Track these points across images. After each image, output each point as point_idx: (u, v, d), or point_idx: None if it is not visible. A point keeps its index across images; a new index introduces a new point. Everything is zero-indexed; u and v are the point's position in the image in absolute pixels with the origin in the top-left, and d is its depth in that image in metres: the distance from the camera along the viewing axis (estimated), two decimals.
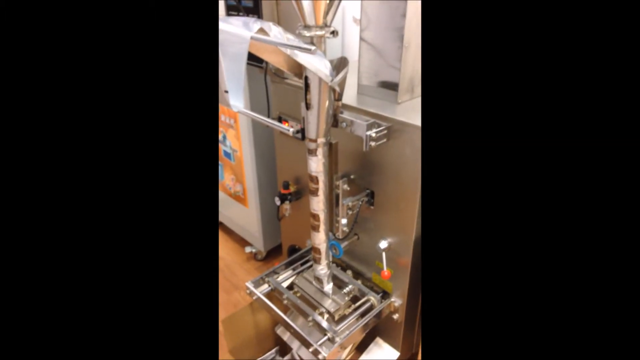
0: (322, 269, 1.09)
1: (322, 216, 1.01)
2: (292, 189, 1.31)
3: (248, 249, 1.83)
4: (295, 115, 1.21)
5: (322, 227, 1.02)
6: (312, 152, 0.93)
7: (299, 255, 1.30)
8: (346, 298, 1.11)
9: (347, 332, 1.03)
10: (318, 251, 1.06)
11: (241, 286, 1.70)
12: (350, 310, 1.10)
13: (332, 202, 1.03)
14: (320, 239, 1.04)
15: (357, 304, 1.12)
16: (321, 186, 0.96)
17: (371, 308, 1.12)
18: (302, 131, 0.95)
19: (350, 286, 1.17)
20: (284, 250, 1.54)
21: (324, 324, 1.03)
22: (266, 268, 1.82)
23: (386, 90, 1.03)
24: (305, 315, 1.07)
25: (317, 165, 0.94)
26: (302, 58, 0.73)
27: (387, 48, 0.98)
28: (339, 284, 1.19)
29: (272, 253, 1.82)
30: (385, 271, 1.06)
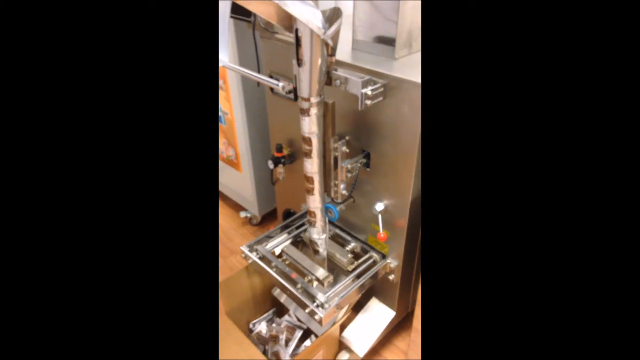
0: (318, 232, 1.07)
1: (316, 179, 0.98)
2: (285, 151, 1.27)
3: (243, 214, 1.82)
4: (288, 74, 1.15)
5: (316, 190, 1.00)
6: (305, 112, 0.88)
7: (293, 219, 1.28)
8: (349, 255, 1.11)
9: (344, 292, 1.03)
10: (313, 214, 1.05)
11: (237, 251, 1.70)
12: (353, 266, 1.11)
13: (330, 165, 1.00)
14: (315, 202, 1.02)
15: (360, 260, 1.13)
16: (315, 148, 0.93)
17: (373, 264, 1.13)
18: (295, 91, 0.90)
19: (352, 244, 1.17)
20: (279, 214, 1.53)
21: (315, 289, 1.03)
22: (261, 232, 1.81)
23: (383, 45, 0.97)
24: (294, 283, 1.06)
25: (310, 125, 0.90)
26: (292, 8, 0.68)
27: None
28: (341, 243, 1.19)
29: (268, 217, 1.81)
30: (382, 233, 1.05)
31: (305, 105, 0.87)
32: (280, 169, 1.28)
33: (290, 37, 1.11)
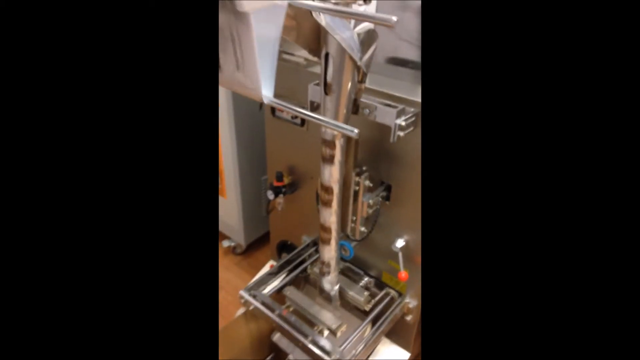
0: (332, 283, 0.96)
1: (334, 228, 0.87)
2: (286, 180, 1.15)
3: (226, 243, 1.66)
4: (296, 97, 1.03)
5: (333, 241, 0.89)
6: (328, 160, 0.78)
7: (293, 255, 1.15)
8: (365, 293, 1.01)
9: (361, 344, 0.92)
10: (327, 265, 0.94)
11: (222, 285, 1.54)
12: (370, 305, 1.01)
13: (348, 199, 0.89)
14: (330, 252, 0.91)
15: (377, 298, 1.03)
16: (335, 197, 0.82)
17: (391, 302, 1.03)
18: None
19: (366, 278, 1.07)
20: (272, 246, 1.39)
21: (325, 343, 0.90)
22: (247, 262, 1.67)
23: (407, 69, 0.89)
24: (304, 335, 0.93)
25: (332, 174, 0.79)
26: (339, 35, 0.57)
27: (404, 18, 0.84)
28: (352, 278, 1.09)
29: (254, 245, 1.66)
30: (403, 272, 0.96)
31: (329, 137, 0.76)
32: (280, 199, 1.16)
33: (299, 57, 1.00)
